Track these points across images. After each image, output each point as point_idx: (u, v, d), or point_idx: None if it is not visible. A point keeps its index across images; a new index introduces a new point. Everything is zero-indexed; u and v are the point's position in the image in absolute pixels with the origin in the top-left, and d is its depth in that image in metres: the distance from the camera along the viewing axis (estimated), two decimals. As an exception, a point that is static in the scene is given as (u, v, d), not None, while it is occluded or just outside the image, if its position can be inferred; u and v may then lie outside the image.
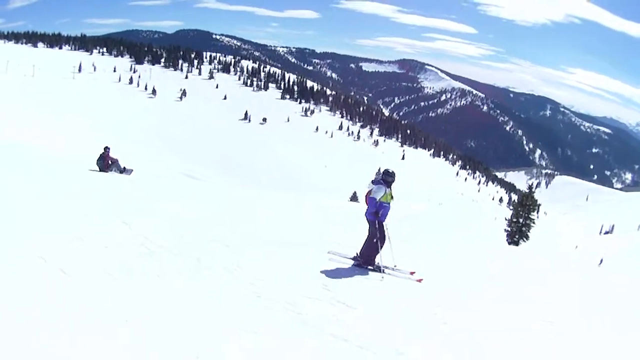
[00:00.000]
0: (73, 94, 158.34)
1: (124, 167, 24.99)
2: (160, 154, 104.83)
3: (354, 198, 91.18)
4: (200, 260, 9.94)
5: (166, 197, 19.33)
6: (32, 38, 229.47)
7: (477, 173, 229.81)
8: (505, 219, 52.80)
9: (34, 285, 7.15)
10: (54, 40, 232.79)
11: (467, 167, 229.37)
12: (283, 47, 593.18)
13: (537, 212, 49.42)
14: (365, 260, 11.14)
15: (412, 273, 11.08)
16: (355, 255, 11.47)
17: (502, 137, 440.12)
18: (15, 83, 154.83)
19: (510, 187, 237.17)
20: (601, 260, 45.50)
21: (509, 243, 46.47)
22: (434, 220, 38.04)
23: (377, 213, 10.85)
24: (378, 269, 10.90)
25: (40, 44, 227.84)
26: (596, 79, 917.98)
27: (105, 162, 23.97)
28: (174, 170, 58.76)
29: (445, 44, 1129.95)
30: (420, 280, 10.63)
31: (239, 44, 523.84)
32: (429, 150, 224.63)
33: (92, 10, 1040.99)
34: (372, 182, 11.15)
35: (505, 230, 50.04)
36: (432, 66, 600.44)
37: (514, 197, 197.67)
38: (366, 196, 11.12)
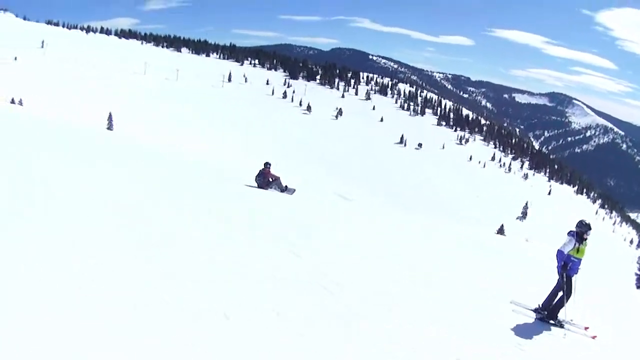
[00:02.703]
0: (223, 103, 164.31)
1: (286, 186, 23.79)
2: (313, 171, 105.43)
3: (500, 231, 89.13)
4: (392, 310, 8.82)
5: (331, 221, 18.47)
6: (174, 42, 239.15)
7: (614, 213, 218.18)
8: (637, 263, 52.57)
9: (196, 339, 5.81)
10: (200, 47, 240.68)
11: (606, 206, 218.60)
12: (439, 72, 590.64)
13: (663, 257, 47.41)
14: (549, 315, 10.54)
15: (586, 328, 10.45)
16: (537, 307, 10.79)
17: (638, 177, 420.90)
18: (156, 86, 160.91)
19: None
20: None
21: (637, 287, 43.27)
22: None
23: (565, 266, 10.15)
24: (560, 325, 10.38)
25: (184, 49, 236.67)
26: None
27: (266, 179, 22.83)
28: (327, 189, 57.83)
29: (589, 79, 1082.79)
30: (594, 337, 10.06)
31: (395, 66, 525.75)
32: (573, 187, 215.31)
33: (239, 21, 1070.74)
34: (568, 233, 10.40)
35: (635, 273, 48.75)
36: (579, 101, 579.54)
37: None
38: None
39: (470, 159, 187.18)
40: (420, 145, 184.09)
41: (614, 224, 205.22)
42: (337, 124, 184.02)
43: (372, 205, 45.22)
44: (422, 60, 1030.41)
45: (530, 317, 10.50)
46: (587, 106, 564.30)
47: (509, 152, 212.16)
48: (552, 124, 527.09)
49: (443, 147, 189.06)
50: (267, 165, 23.06)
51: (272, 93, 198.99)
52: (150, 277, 7.31)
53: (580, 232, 10.05)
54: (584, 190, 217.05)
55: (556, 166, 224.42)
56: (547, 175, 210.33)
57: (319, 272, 9.70)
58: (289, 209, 18.41)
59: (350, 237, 14.53)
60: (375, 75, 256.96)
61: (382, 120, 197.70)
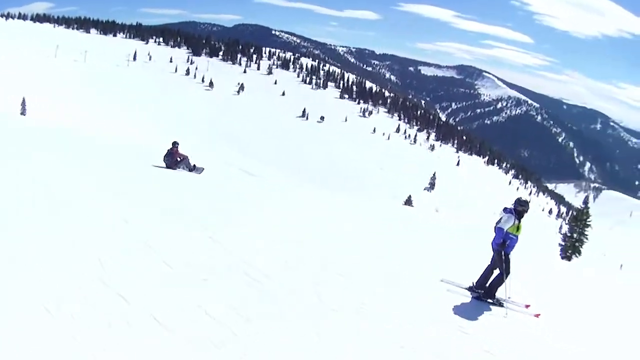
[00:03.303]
0: (128, 82, 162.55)
1: (194, 165, 23.12)
2: (216, 147, 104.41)
3: (408, 202, 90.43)
4: (322, 298, 8.28)
5: (245, 202, 17.78)
6: (84, 24, 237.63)
7: (529, 183, 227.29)
8: (560, 233, 53.18)
9: (106, 342, 5.27)
10: (108, 28, 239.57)
11: (520, 176, 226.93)
12: (343, 46, 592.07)
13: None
14: (487, 293, 10.26)
15: (527, 306, 10.20)
16: (471, 285, 10.52)
17: (554, 149, 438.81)
18: (65, 68, 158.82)
19: (559, 199, 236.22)
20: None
21: (562, 257, 45.69)
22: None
23: (503, 244, 9.83)
24: (498, 303, 10.10)
25: (93, 30, 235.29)
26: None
27: (174, 159, 22.18)
28: (233, 166, 57.27)
29: (502, 52, 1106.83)
30: (537, 316, 9.82)
31: (298, 41, 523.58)
32: (483, 158, 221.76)
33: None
34: (504, 210, 10.29)
35: (559, 244, 49.94)
36: (490, 73, 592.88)
37: (563, 209, 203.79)
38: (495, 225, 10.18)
39: (374, 131, 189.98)
40: (322, 118, 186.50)
41: (530, 194, 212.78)
42: (239, 100, 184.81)
43: (279, 182, 44.98)
44: (325, 35, 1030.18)
45: (465, 296, 10.25)
46: (499, 79, 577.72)
47: (415, 123, 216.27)
48: (460, 96, 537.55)
49: (346, 120, 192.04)
50: (175, 144, 22.32)
51: (175, 70, 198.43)
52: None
53: (523, 210, 10.00)
54: (495, 161, 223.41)
55: (464, 137, 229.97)
56: (455, 146, 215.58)
57: (242, 260, 9.10)
58: (202, 190, 18.11)
59: (266, 221, 14.00)
60: (278, 50, 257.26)
61: (283, 94, 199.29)
